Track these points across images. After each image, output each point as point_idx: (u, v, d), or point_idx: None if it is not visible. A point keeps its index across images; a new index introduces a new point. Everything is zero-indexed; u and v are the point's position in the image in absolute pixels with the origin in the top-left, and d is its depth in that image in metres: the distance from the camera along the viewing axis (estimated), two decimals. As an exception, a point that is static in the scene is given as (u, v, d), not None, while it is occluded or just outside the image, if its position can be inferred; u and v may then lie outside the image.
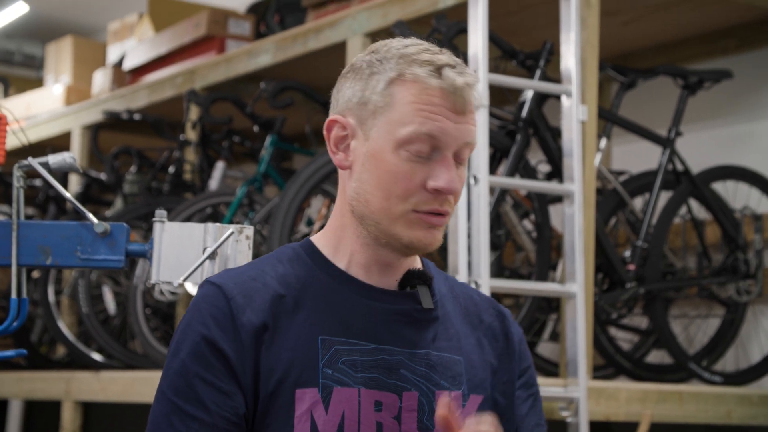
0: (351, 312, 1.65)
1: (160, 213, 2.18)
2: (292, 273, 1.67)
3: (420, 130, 1.61)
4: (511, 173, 3.76)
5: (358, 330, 1.64)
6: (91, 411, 5.66)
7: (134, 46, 6.41)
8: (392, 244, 1.65)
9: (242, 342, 1.60)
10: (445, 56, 1.65)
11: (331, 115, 1.69)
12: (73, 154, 2.17)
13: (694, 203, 4.41)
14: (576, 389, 3.45)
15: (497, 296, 4.08)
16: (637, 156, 4.83)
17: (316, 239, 1.72)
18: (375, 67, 1.65)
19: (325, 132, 1.69)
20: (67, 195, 2.23)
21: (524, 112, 3.82)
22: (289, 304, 1.64)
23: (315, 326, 1.63)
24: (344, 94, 1.67)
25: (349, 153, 1.67)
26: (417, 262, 1.73)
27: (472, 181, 3.42)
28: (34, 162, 2.17)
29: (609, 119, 4.23)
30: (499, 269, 3.96)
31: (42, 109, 6.97)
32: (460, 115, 1.62)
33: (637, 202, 4.35)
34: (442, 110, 1.61)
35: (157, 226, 2.18)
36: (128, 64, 6.31)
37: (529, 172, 3.91)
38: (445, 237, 3.61)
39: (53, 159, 2.20)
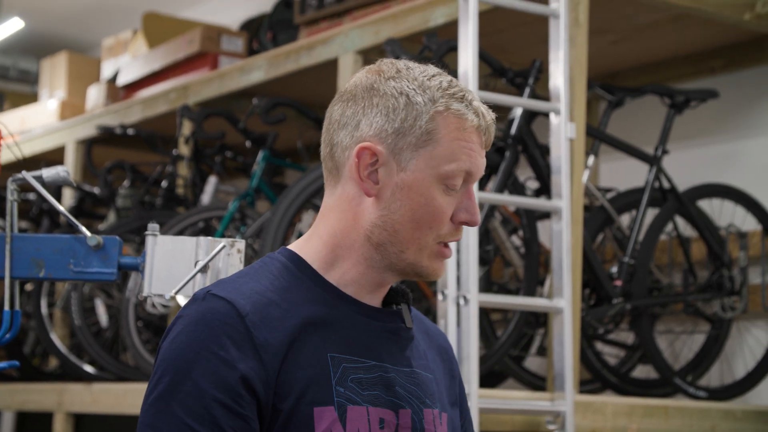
0: (350, 329, 1.65)
1: (153, 226, 2.18)
2: (287, 287, 1.65)
3: (462, 168, 1.64)
4: (500, 189, 3.76)
5: (358, 347, 1.64)
6: (82, 422, 5.64)
7: (128, 62, 6.41)
8: (406, 271, 1.67)
9: (262, 362, 1.56)
10: (470, 92, 1.70)
11: (362, 143, 1.64)
12: (67, 168, 2.17)
13: (680, 220, 4.42)
14: (563, 403, 3.45)
15: (486, 310, 4.08)
16: (625, 173, 4.84)
17: (302, 251, 1.69)
18: (413, 97, 1.64)
19: (354, 158, 1.65)
20: (60, 208, 2.23)
21: (513, 129, 3.83)
22: (296, 321, 1.62)
23: (323, 343, 1.62)
24: (372, 120, 1.64)
25: (376, 181, 1.65)
26: None
27: (461, 197, 3.41)
28: (27, 176, 2.17)
29: (597, 137, 4.24)
30: (487, 284, 3.97)
31: (36, 124, 6.96)
32: (484, 149, 1.68)
33: (624, 219, 4.36)
34: (476, 147, 1.66)
35: (149, 240, 2.18)
36: (122, 80, 6.31)
37: (518, 189, 3.92)
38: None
39: (47, 173, 2.20)
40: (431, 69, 1.69)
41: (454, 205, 1.65)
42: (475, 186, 1.70)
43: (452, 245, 3.22)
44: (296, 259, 1.69)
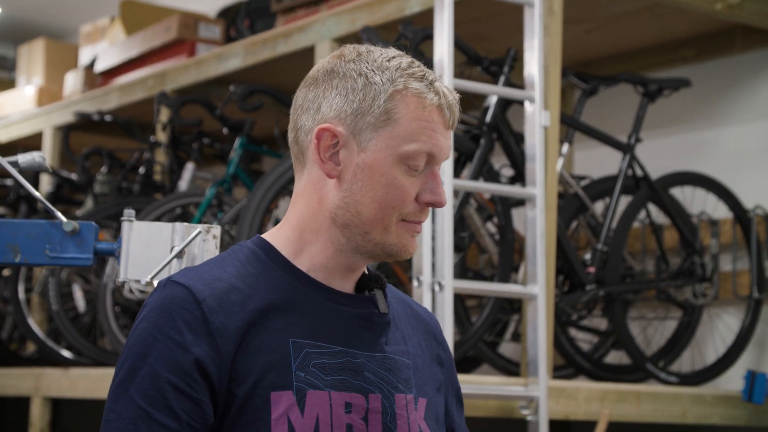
0: (316, 315, 1.63)
1: (129, 212, 2.17)
2: (254, 274, 1.64)
3: (423, 149, 1.62)
4: (475, 177, 3.76)
5: (323, 333, 1.62)
6: (60, 407, 5.61)
7: (106, 49, 6.37)
8: (374, 252, 1.65)
9: (217, 347, 1.56)
10: (432, 73, 1.68)
11: (321, 124, 1.65)
12: (43, 154, 2.15)
13: (652, 208, 4.43)
14: (536, 388, 3.46)
15: (461, 297, 4.08)
16: (598, 161, 4.85)
17: (272, 239, 1.68)
18: (371, 77, 1.63)
19: (314, 140, 1.66)
20: (36, 193, 2.21)
21: (488, 117, 3.83)
22: (257, 307, 1.60)
23: (285, 329, 1.60)
24: (332, 102, 1.64)
25: (338, 162, 1.64)
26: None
27: (436, 184, 3.41)
28: (3, 161, 2.15)
29: (571, 125, 4.24)
30: (462, 271, 3.97)
31: (14, 110, 6.91)
32: (448, 130, 1.65)
33: (598, 206, 4.37)
34: (438, 127, 1.63)
35: (125, 225, 2.16)
36: (100, 67, 6.27)
37: (493, 176, 3.92)
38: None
39: (23, 158, 2.18)
40: (392, 51, 1.67)
41: (418, 185, 1.63)
42: (447, 167, 1.69)
43: (425, 229, 3.19)
44: (266, 247, 1.68)
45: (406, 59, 1.66)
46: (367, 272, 1.71)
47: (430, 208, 1.67)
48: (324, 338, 1.62)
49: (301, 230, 1.67)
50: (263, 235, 1.71)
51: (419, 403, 1.68)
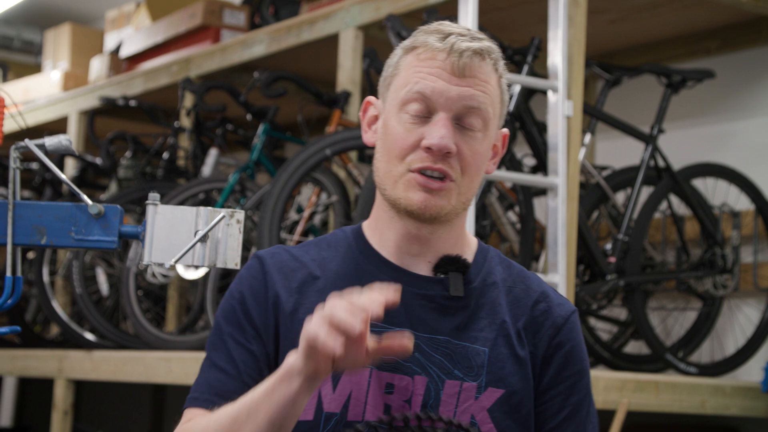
0: None
1: (153, 196, 2.17)
2: (333, 256, 1.68)
3: (413, 89, 1.60)
4: (497, 165, 3.75)
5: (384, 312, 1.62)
6: (83, 389, 5.65)
7: (131, 35, 6.38)
8: (398, 209, 1.63)
9: (270, 313, 1.63)
10: (464, 30, 1.63)
11: (368, 97, 1.70)
12: (69, 137, 2.16)
13: (674, 199, 4.41)
14: (556, 377, 3.45)
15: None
16: (621, 152, 4.83)
17: (365, 224, 1.72)
18: (398, 47, 1.66)
19: (361, 113, 1.70)
20: (62, 176, 2.22)
21: (511, 106, 3.82)
22: (320, 286, 1.64)
23: None
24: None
25: (376, 131, 1.67)
26: (460, 248, 1.68)
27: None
28: (30, 143, 2.15)
29: (594, 115, 4.23)
30: (483, 259, 3.96)
31: (40, 94, 6.94)
32: (459, 77, 1.60)
33: (619, 197, 4.36)
34: (439, 71, 1.60)
35: (149, 209, 2.16)
36: (125, 52, 6.28)
37: (515, 165, 3.91)
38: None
39: (49, 141, 2.19)
40: (449, 23, 1.66)
41: (422, 132, 1.60)
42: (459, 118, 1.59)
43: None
44: (356, 230, 1.71)
45: (442, 23, 1.65)
46: (449, 255, 1.67)
47: (455, 163, 1.60)
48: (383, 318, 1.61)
49: (375, 210, 1.71)
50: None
51: (487, 392, 1.62)
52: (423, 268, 1.66)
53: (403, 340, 1.40)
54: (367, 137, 1.69)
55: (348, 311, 1.39)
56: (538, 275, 1.72)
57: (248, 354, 1.62)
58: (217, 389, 1.60)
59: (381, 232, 1.67)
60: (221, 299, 1.83)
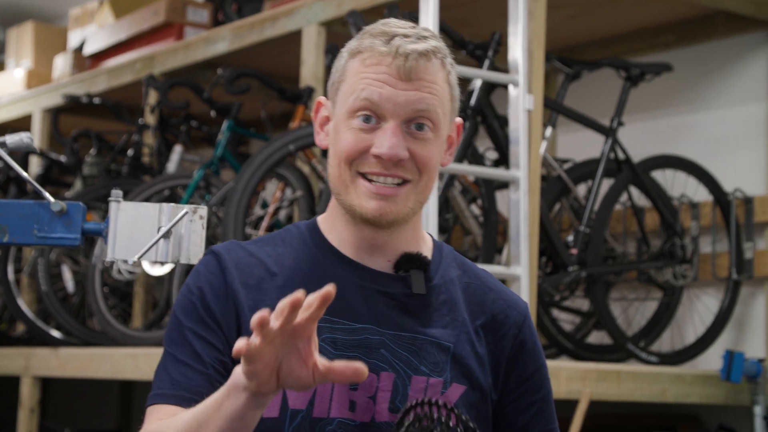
0: (339, 292, 1.59)
1: (116, 193, 2.15)
2: (289, 252, 1.65)
3: (360, 96, 1.57)
4: (459, 159, 3.75)
5: (344, 309, 1.59)
6: (49, 386, 5.60)
7: (94, 32, 6.33)
8: (353, 216, 1.61)
9: (230, 308, 1.60)
10: (410, 30, 1.60)
11: (319, 98, 1.68)
12: (30, 134, 2.13)
13: (634, 191, 4.43)
14: (519, 368, 3.46)
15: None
16: (581, 145, 4.84)
17: (320, 219, 1.69)
18: (344, 48, 1.64)
19: (312, 114, 1.68)
20: (23, 173, 2.19)
21: (473, 101, 3.82)
22: (278, 282, 1.61)
23: None
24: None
25: (327, 132, 1.65)
26: (416, 245, 1.66)
27: (421, 166, 3.40)
28: (-9, 141, 2.12)
29: (554, 109, 4.23)
30: (447, 252, 3.95)
31: (3, 92, 6.87)
32: (405, 81, 1.57)
33: (581, 189, 4.37)
34: (385, 77, 1.57)
35: (112, 206, 2.14)
36: (88, 50, 6.23)
37: (477, 159, 3.91)
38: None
39: (10, 139, 2.16)
40: (396, 21, 1.63)
41: (372, 139, 1.58)
42: (416, 124, 1.56)
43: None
44: (312, 225, 1.69)
45: (388, 23, 1.62)
46: (409, 252, 1.65)
47: (409, 165, 1.58)
48: (343, 315, 1.59)
49: (330, 207, 1.68)
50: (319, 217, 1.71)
51: (452, 387, 1.61)
52: (382, 264, 1.65)
53: (358, 367, 1.34)
54: (320, 139, 1.66)
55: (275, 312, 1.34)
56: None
57: (211, 348, 1.58)
58: (183, 384, 1.56)
59: (337, 230, 1.65)
60: None
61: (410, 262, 1.64)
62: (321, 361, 1.36)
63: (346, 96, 1.59)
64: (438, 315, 1.64)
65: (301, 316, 1.33)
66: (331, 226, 1.66)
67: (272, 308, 1.42)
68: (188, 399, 1.54)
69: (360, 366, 1.34)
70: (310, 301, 1.32)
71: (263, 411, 1.44)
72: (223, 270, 1.62)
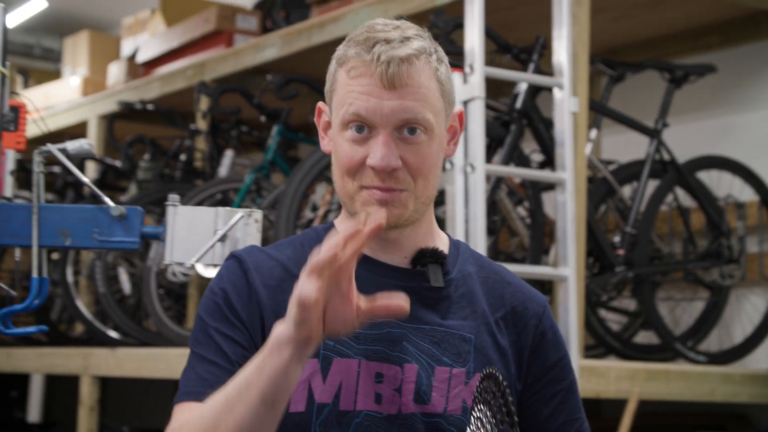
0: (360, 287, 1.57)
1: (173, 197, 2.19)
2: (308, 254, 1.64)
3: (349, 111, 1.58)
4: (506, 162, 3.76)
5: None
6: (107, 385, 5.67)
7: (147, 40, 6.40)
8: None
9: (254, 308, 1.60)
10: (392, 33, 1.59)
11: (319, 102, 1.69)
12: (90, 141, 2.18)
13: (680, 191, 4.41)
14: (567, 367, 3.46)
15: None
16: (626, 146, 4.83)
17: (337, 221, 1.71)
18: (335, 53, 1.65)
19: (315, 119, 1.70)
20: (84, 178, 2.24)
21: (518, 104, 3.83)
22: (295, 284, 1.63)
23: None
24: None
25: (330, 138, 1.67)
26: (431, 240, 1.68)
27: (468, 169, 3.42)
28: (53, 148, 2.18)
29: (599, 111, 4.23)
30: (494, 253, 3.97)
31: (60, 100, 6.97)
32: (390, 89, 1.57)
33: (626, 190, 4.36)
34: (369, 88, 1.57)
35: (170, 210, 2.18)
36: (141, 57, 6.31)
37: (523, 161, 3.91)
38: (443, 223, 3.62)
39: (71, 145, 2.21)
40: (380, 21, 1.63)
41: (366, 150, 1.58)
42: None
43: (459, 213, 3.09)
44: (329, 227, 1.71)
45: (373, 26, 1.61)
46: (425, 248, 1.67)
47: (402, 175, 1.59)
48: None
49: (344, 210, 1.70)
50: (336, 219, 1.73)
51: (475, 377, 1.62)
52: (399, 261, 1.66)
53: (400, 301, 1.36)
54: (324, 144, 1.68)
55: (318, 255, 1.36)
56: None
57: (238, 346, 1.58)
58: (210, 382, 1.56)
59: None
60: None
61: (427, 256, 1.66)
62: (363, 300, 1.38)
63: (338, 107, 1.61)
64: (457, 307, 1.66)
65: (350, 249, 1.35)
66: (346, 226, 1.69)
67: None
68: None
69: (401, 301, 1.35)
70: (352, 233, 1.35)
71: (303, 367, 1.44)
72: (245, 272, 1.63)
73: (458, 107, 1.70)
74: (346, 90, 1.59)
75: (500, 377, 1.47)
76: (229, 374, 1.50)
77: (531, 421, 1.68)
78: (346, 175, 1.61)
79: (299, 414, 1.57)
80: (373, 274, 1.63)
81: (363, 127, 1.58)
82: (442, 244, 1.71)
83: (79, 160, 5.80)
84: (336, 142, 1.62)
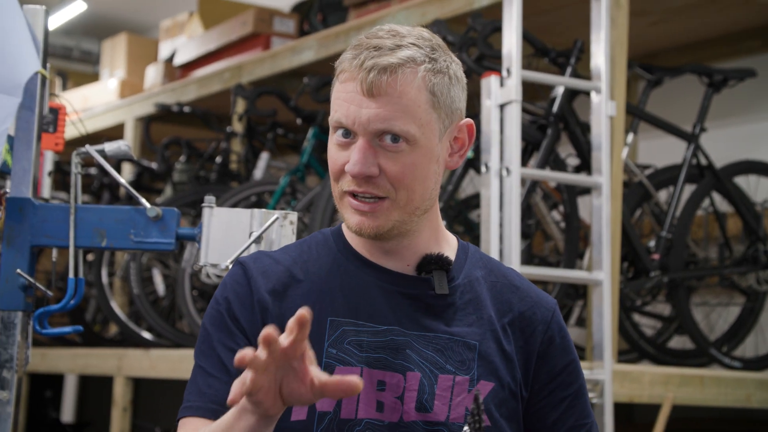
0: (364, 295, 1.62)
1: (209, 199, 2.19)
2: (315, 258, 1.67)
3: (334, 117, 1.60)
4: (541, 165, 3.74)
5: (368, 312, 1.61)
6: (141, 386, 5.69)
7: (184, 43, 6.43)
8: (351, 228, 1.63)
9: (256, 316, 1.61)
10: (387, 40, 1.59)
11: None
12: (128, 143, 2.18)
13: (716, 196, 4.37)
14: (601, 372, 3.44)
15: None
16: (663, 150, 4.79)
17: (344, 225, 1.70)
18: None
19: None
20: (121, 180, 2.24)
21: (555, 107, 3.80)
22: (303, 288, 1.63)
23: (326, 309, 1.61)
24: None
25: None
26: (438, 247, 1.67)
27: (504, 172, 3.40)
28: (91, 149, 2.18)
29: (636, 115, 4.20)
30: (528, 257, 3.95)
31: (98, 102, 7.01)
32: (369, 97, 1.56)
33: (662, 195, 4.32)
34: (352, 95, 1.57)
35: (206, 211, 2.18)
36: (179, 60, 6.33)
37: (559, 165, 3.89)
38: (478, 226, 3.61)
39: (109, 146, 2.21)
40: (384, 27, 1.63)
41: (346, 157, 1.59)
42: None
43: (494, 217, 3.07)
44: (337, 232, 1.70)
45: (371, 33, 1.62)
46: (429, 254, 1.66)
47: (381, 182, 1.58)
48: (368, 317, 1.61)
49: None
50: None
51: (479, 384, 1.62)
52: (403, 267, 1.66)
53: (353, 380, 1.34)
54: None
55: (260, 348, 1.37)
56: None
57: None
58: (209, 396, 1.58)
59: (361, 238, 1.67)
60: None
61: (432, 263, 1.65)
62: (318, 377, 1.36)
63: (331, 112, 1.62)
64: (463, 314, 1.64)
65: (287, 340, 1.34)
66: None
67: (314, 312, 1.49)
68: (215, 410, 1.57)
69: (355, 380, 1.34)
70: (291, 326, 1.34)
71: (275, 425, 1.45)
72: (249, 279, 1.63)
73: (466, 119, 1.67)
74: (336, 95, 1.61)
75: (479, 398, 1.45)
76: (228, 388, 1.50)
77: (538, 426, 1.66)
78: (333, 179, 1.62)
79: (300, 422, 1.57)
80: (378, 280, 1.63)
81: (349, 132, 1.58)
82: (450, 249, 1.70)
83: (116, 162, 5.82)
84: (329, 145, 1.63)
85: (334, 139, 1.60)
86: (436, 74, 1.60)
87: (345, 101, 1.57)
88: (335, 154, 1.60)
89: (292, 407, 1.55)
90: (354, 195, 1.59)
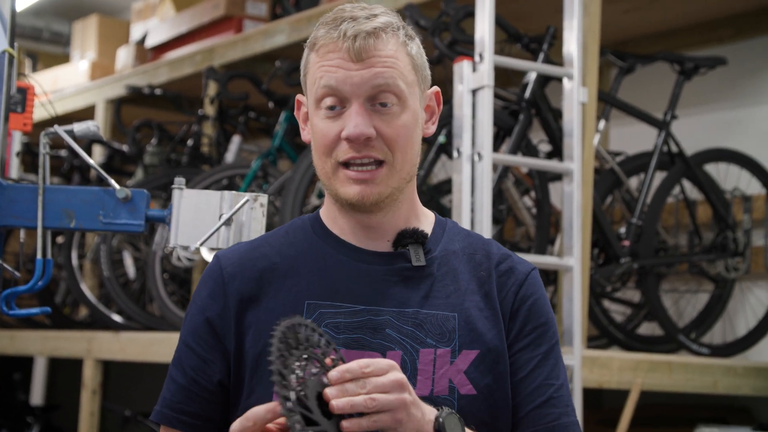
0: (341, 276, 1.63)
1: (179, 180, 2.17)
2: (292, 242, 1.68)
3: (320, 84, 1.60)
4: (513, 151, 3.74)
5: (345, 293, 1.62)
6: (110, 369, 5.66)
7: (156, 25, 6.39)
8: (343, 205, 1.64)
9: (228, 308, 1.63)
10: (359, 12, 1.62)
11: (298, 95, 1.70)
12: (97, 123, 2.16)
13: (687, 184, 4.39)
14: (571, 358, 3.45)
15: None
16: (634, 137, 4.81)
17: (322, 211, 1.72)
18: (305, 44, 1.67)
19: (296, 112, 1.71)
20: (89, 160, 2.22)
21: (527, 93, 3.80)
22: (280, 272, 1.64)
23: (303, 292, 1.62)
24: None
25: (309, 128, 1.67)
26: (416, 222, 1.69)
27: (476, 158, 3.40)
28: (59, 129, 2.16)
29: (608, 102, 4.21)
30: (500, 242, 3.95)
31: (68, 84, 6.96)
32: (358, 62, 1.59)
33: (633, 182, 4.34)
34: (338, 61, 1.59)
35: (175, 193, 2.17)
36: (150, 42, 6.29)
37: (531, 151, 3.89)
38: (450, 211, 3.60)
39: (78, 127, 2.19)
40: (350, 5, 1.65)
41: (341, 125, 1.60)
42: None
43: (465, 202, 3.08)
44: (314, 217, 1.72)
45: (339, 9, 1.64)
46: (405, 229, 1.67)
47: (378, 144, 1.60)
48: (345, 298, 1.62)
49: (327, 198, 1.71)
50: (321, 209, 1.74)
51: (462, 355, 1.62)
52: (382, 246, 1.67)
53: None
54: (305, 135, 1.70)
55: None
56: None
57: (200, 361, 1.64)
58: (168, 402, 1.65)
59: (336, 220, 1.69)
60: None
61: (407, 237, 1.66)
62: None
63: (311, 87, 1.63)
64: (441, 285, 1.66)
65: None
66: (332, 217, 1.69)
67: (277, 297, 1.55)
68: (183, 422, 1.64)
69: None
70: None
71: None
72: (222, 270, 1.66)
73: (434, 87, 1.71)
74: (317, 67, 1.61)
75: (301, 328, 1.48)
76: (183, 393, 1.63)
77: (511, 380, 1.67)
78: (323, 154, 1.62)
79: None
80: (355, 260, 1.65)
81: (335, 105, 1.60)
82: (427, 223, 1.72)
83: (86, 144, 5.78)
84: (312, 123, 1.64)
85: (322, 114, 1.61)
86: (410, 39, 1.65)
87: (330, 70, 1.59)
88: (325, 127, 1.61)
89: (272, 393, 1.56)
90: (348, 166, 1.60)
